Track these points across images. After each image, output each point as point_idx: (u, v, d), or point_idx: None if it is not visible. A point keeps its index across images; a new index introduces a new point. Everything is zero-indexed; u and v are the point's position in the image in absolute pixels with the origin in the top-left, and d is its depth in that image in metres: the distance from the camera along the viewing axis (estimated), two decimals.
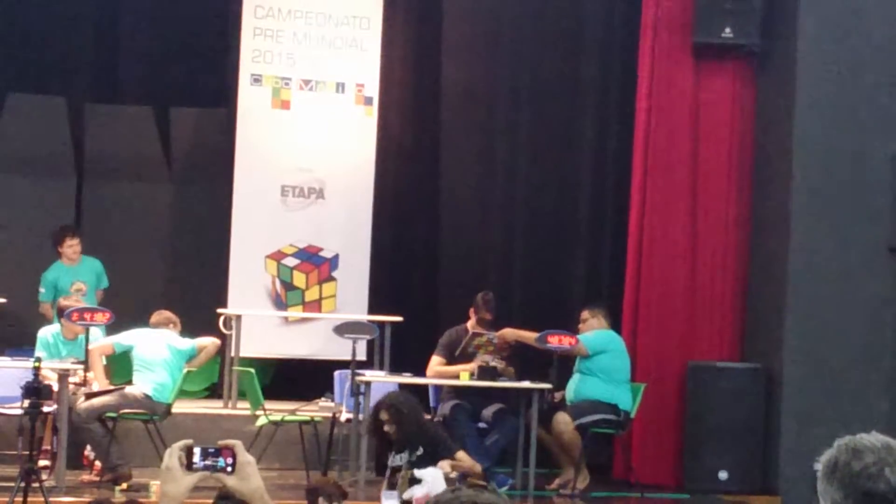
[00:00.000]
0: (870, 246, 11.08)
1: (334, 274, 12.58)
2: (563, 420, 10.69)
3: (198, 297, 12.61)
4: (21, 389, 8.99)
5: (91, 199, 13.56)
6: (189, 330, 10.96)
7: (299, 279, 12.52)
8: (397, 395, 9.55)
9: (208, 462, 2.96)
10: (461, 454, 9.26)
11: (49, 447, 10.29)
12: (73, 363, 10.32)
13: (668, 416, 11.54)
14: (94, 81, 13.78)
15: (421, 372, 11.06)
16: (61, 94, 13.51)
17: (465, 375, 10.80)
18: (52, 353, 10.62)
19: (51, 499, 8.91)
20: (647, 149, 11.73)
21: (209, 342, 10.88)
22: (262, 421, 10.54)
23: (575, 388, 10.93)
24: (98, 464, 10.29)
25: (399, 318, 12.14)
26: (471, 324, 11.17)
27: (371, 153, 12.56)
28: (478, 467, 9.41)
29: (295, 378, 12.26)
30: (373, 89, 12.58)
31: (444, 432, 9.74)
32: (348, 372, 10.67)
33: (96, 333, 10.67)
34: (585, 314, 11.19)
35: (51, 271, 11.90)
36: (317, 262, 12.55)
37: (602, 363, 10.85)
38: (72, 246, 11.86)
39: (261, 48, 12.42)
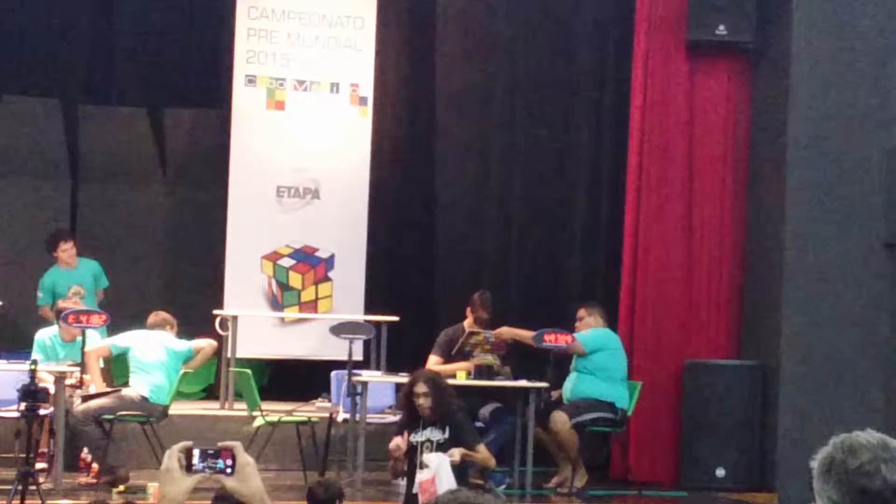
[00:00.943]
0: (865, 242, 11.08)
1: (330, 274, 12.57)
2: (560, 418, 10.68)
3: (194, 299, 12.61)
4: (17, 392, 8.99)
5: (86, 201, 13.55)
6: (185, 331, 10.95)
7: (295, 280, 12.51)
8: (435, 372, 9.51)
9: (208, 464, 2.96)
10: (481, 447, 9.17)
11: (46, 450, 10.28)
12: (70, 365, 10.31)
13: (665, 414, 11.54)
14: (89, 83, 13.76)
15: None
16: (55, 95, 13.50)
17: (462, 374, 10.80)
18: (49, 356, 10.61)
19: (48, 501, 8.87)
20: (642, 147, 11.73)
21: (206, 343, 10.86)
22: (258, 422, 10.53)
23: (572, 386, 10.92)
24: (95, 466, 10.26)
25: (395, 318, 12.15)
26: (468, 323, 11.16)
27: (366, 153, 12.56)
28: (492, 461, 9.35)
29: (291, 379, 12.26)
30: (367, 89, 12.58)
31: (471, 423, 9.64)
32: (345, 372, 10.66)
33: (95, 335, 10.65)
34: (582, 312, 11.18)
35: (48, 276, 11.87)
36: (313, 263, 12.55)
37: (599, 361, 10.85)
38: (66, 250, 11.83)
39: (255, 49, 12.41)
